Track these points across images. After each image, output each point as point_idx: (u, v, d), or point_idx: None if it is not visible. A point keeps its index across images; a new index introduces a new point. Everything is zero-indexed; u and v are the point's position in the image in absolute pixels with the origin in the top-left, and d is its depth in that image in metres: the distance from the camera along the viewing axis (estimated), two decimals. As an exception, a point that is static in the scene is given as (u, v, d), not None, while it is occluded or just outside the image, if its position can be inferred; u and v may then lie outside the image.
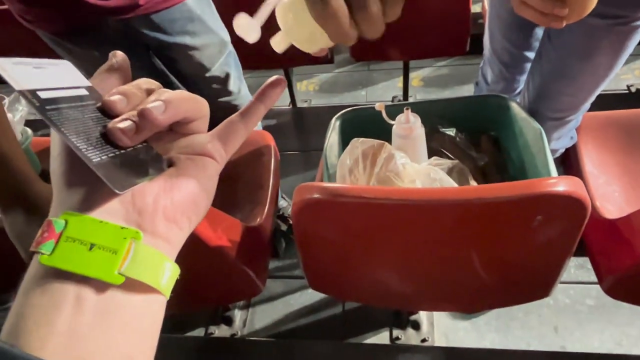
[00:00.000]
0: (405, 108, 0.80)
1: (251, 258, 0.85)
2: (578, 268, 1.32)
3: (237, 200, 1.01)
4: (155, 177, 0.26)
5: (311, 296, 1.35)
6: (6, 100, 1.05)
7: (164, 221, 0.25)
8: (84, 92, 0.26)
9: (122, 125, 0.24)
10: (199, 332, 1.28)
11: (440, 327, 1.23)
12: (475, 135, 0.97)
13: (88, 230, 0.23)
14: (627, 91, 2.01)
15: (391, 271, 0.75)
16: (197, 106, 0.28)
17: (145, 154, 0.26)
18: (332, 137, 0.92)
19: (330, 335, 1.24)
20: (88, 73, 0.92)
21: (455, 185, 0.72)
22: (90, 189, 0.24)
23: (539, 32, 0.92)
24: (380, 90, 2.28)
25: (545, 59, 0.85)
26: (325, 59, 1.85)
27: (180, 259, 0.77)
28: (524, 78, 1.06)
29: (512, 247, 0.65)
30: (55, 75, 0.25)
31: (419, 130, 0.81)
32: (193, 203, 0.27)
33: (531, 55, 0.95)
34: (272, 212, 0.97)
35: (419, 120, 0.81)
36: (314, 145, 1.83)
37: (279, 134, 1.92)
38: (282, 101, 2.23)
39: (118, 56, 0.29)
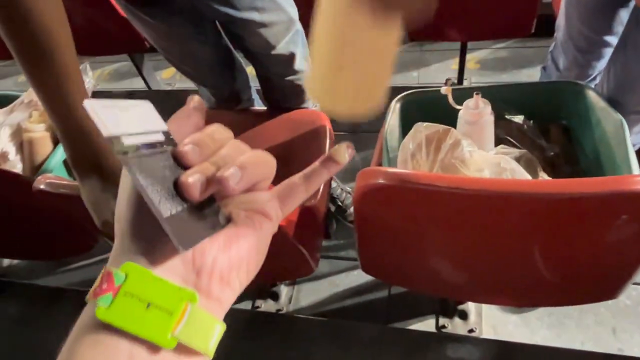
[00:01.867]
0: (475, 93, 0.77)
1: (305, 237, 0.85)
2: (643, 269, 1.25)
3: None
4: (216, 233, 0.25)
5: (357, 278, 1.35)
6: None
7: (219, 283, 0.25)
8: (161, 137, 0.25)
9: (192, 179, 0.23)
10: (246, 304, 1.32)
11: (488, 318, 1.20)
12: (544, 123, 0.92)
13: (147, 287, 0.23)
14: None
15: (449, 260, 0.73)
16: (268, 170, 0.28)
17: (209, 207, 0.26)
18: (393, 119, 0.90)
19: (375, 318, 1.24)
20: (157, 44, 0.92)
21: (528, 175, 0.68)
22: (155, 242, 0.24)
23: (624, 15, 0.85)
24: (433, 72, 2.21)
25: (632, 45, 0.79)
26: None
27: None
28: (600, 65, 0.98)
29: (584, 246, 0.61)
30: (138, 118, 0.25)
31: (488, 117, 0.78)
32: (247, 263, 0.26)
33: (612, 40, 0.87)
34: (326, 193, 0.97)
35: (489, 106, 0.78)
36: (364, 127, 1.80)
37: (335, 123, 1.91)
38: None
39: (195, 101, 0.28)
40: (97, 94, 2.44)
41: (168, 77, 2.63)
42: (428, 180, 0.56)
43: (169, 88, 2.49)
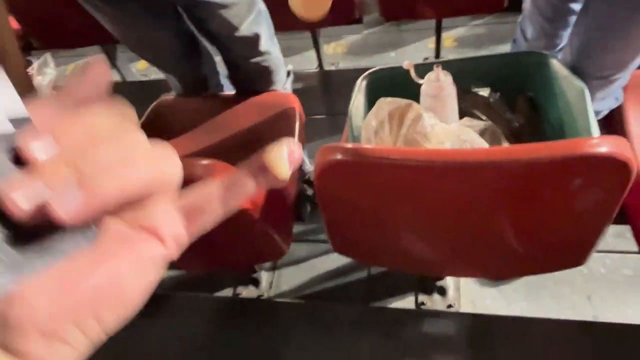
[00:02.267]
0: (435, 65, 0.76)
1: (275, 221, 0.84)
2: (616, 236, 1.26)
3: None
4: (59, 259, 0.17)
5: (336, 261, 1.35)
6: (35, 64, 1.06)
7: (42, 339, 0.17)
8: (9, 128, 0.17)
9: (16, 196, 0.16)
10: (227, 292, 1.31)
11: (466, 293, 1.21)
12: (511, 95, 0.92)
13: None
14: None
15: (417, 235, 0.73)
16: (161, 176, 0.20)
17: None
18: (358, 98, 0.89)
19: (355, 299, 1.24)
20: (116, 32, 0.91)
21: (487, 146, 0.68)
22: None
23: (586, -20, 0.84)
24: (411, 52, 2.19)
25: (592, 12, 0.78)
26: (353, 19, 1.78)
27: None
28: (567, 34, 0.98)
29: (546, 213, 0.61)
30: None
31: (450, 89, 0.77)
32: (106, 297, 0.18)
33: (577, 7, 0.87)
34: (296, 175, 0.96)
35: (450, 78, 0.77)
36: (341, 109, 1.78)
37: (305, 97, 1.88)
38: (308, 64, 2.18)
39: (95, 68, 0.20)
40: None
41: (143, 69, 2.59)
42: (382, 154, 0.55)
43: (144, 79, 2.45)
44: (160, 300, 1.21)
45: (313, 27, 1.85)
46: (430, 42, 2.15)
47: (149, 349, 1.04)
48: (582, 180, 0.53)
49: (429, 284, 1.23)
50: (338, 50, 2.33)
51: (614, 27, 0.75)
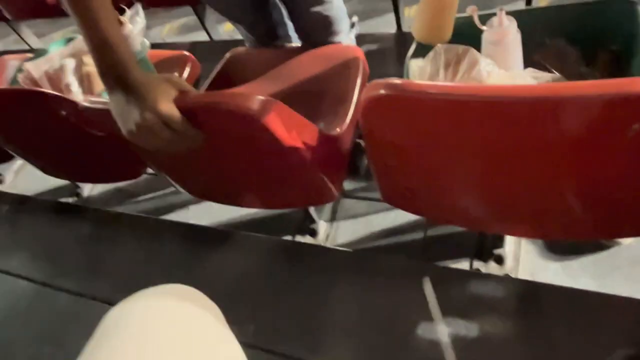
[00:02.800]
0: (499, 9, 0.72)
1: (326, 165, 0.88)
2: None
3: (320, 113, 1.03)
4: None
5: (394, 220, 1.36)
6: (127, 13, 1.17)
7: None
8: None
9: None
10: (286, 238, 1.39)
11: (526, 264, 1.16)
12: (592, 50, 0.84)
13: None
14: None
15: (465, 183, 0.72)
16: None
17: None
18: (418, 48, 0.87)
19: (408, 256, 1.25)
20: None
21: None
22: None
23: None
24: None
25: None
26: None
27: (257, 155, 0.83)
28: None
29: (604, 161, 0.57)
30: None
31: (514, 36, 0.73)
32: None
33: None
34: (353, 124, 0.97)
35: (514, 24, 0.73)
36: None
37: (380, 59, 1.87)
38: (387, 27, 2.14)
39: None
40: (165, 46, 2.60)
41: (230, 30, 2.72)
42: (426, 88, 0.55)
43: (230, 39, 2.57)
44: (225, 236, 1.32)
45: (393, -12, 1.80)
46: (521, 2, 1.99)
47: (212, 275, 1.16)
48: (637, 125, 0.49)
49: (487, 251, 1.19)
50: (420, 13, 2.26)
51: None
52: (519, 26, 0.76)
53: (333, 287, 1.08)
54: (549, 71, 0.79)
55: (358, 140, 1.35)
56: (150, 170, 1.35)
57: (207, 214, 1.56)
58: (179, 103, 0.68)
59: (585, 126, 0.51)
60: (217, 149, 0.80)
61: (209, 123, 0.72)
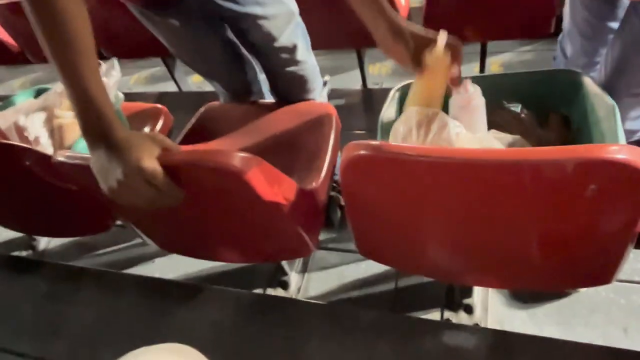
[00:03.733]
0: (465, 78, 0.79)
1: (304, 218, 0.89)
2: (658, 271, 1.21)
3: (296, 167, 1.06)
4: None
5: (365, 270, 1.37)
6: (103, 66, 1.18)
7: None
8: None
9: None
10: (257, 291, 1.37)
11: (494, 313, 1.19)
12: (543, 113, 0.93)
13: None
14: None
15: (438, 238, 0.75)
16: None
17: None
18: (390, 107, 0.93)
19: (380, 307, 1.26)
20: (169, 44, 1.03)
21: (509, 155, 0.70)
22: None
23: (625, 0, 0.85)
24: (456, 75, 2.21)
25: (628, 28, 0.79)
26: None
27: (237, 210, 0.83)
28: (606, 53, 0.98)
29: (564, 219, 0.62)
30: None
31: (478, 101, 0.80)
32: None
33: (615, 25, 0.88)
34: (328, 178, 1.00)
35: (479, 90, 0.80)
36: (380, 126, 1.83)
37: (347, 113, 1.94)
38: (352, 83, 2.25)
39: None
40: (133, 95, 2.60)
41: (199, 81, 2.76)
42: (403, 150, 0.59)
43: (199, 90, 2.61)
44: (193, 290, 1.28)
45: (358, 46, 1.92)
46: (476, 67, 2.16)
47: (180, 332, 1.12)
48: (596, 186, 0.54)
49: (457, 300, 1.22)
50: (382, 71, 2.40)
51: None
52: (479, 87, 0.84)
53: (305, 341, 1.06)
54: (509, 132, 0.86)
55: (332, 193, 1.38)
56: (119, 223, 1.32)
57: (174, 267, 1.51)
58: (162, 161, 0.69)
59: (547, 187, 0.56)
60: (197, 205, 0.80)
61: (191, 180, 0.73)
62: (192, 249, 1.04)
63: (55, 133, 1.09)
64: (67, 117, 1.10)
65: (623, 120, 0.87)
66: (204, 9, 0.99)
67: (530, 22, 1.58)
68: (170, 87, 2.67)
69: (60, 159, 0.78)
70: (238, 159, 0.71)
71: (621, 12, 0.86)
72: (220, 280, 1.44)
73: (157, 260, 1.58)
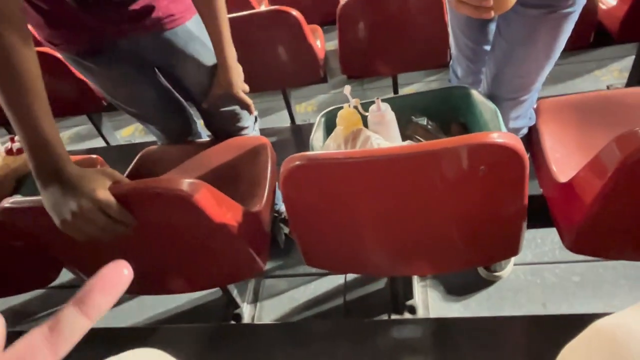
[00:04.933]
0: (375, 98, 0.93)
1: (251, 238, 0.96)
2: (562, 250, 1.40)
3: (238, 195, 1.13)
4: None
5: (314, 290, 1.45)
6: None
7: None
8: None
9: None
10: (213, 325, 1.38)
11: (434, 309, 1.31)
12: (446, 123, 1.10)
13: None
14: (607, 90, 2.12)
15: (369, 233, 0.86)
16: None
17: None
18: (318, 131, 1.05)
19: (333, 320, 1.33)
20: (104, 89, 1.09)
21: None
22: None
23: (492, 27, 1.06)
24: (374, 106, 2.43)
25: (497, 48, 0.99)
26: (319, 79, 2.02)
27: (189, 236, 0.89)
28: (487, 70, 1.18)
29: (466, 200, 0.75)
30: None
31: (390, 116, 0.94)
32: None
33: (489, 47, 1.08)
34: (270, 202, 1.09)
35: (389, 107, 0.94)
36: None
37: (280, 148, 2.05)
38: (282, 122, 2.39)
39: None
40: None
41: (128, 135, 2.76)
42: (330, 156, 0.70)
43: (128, 143, 2.60)
44: (150, 332, 1.27)
45: (283, 87, 2.07)
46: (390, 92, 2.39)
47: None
48: (485, 166, 0.68)
49: (400, 303, 1.33)
50: (309, 109, 2.57)
51: (513, 58, 0.95)
52: (392, 108, 0.99)
53: (268, 362, 1.10)
54: (420, 142, 1.01)
55: (275, 215, 1.46)
56: (53, 284, 1.28)
57: (122, 318, 1.48)
58: (114, 191, 0.74)
59: (448, 171, 0.69)
60: (147, 235, 0.85)
61: (142, 208, 0.78)
62: (142, 285, 1.06)
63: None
64: (1, 171, 1.09)
65: (506, 121, 1.06)
66: (136, 57, 1.06)
67: (430, 54, 1.82)
68: (97, 143, 2.64)
69: (7, 205, 0.80)
70: (185, 184, 0.78)
71: (491, 37, 1.06)
72: (172, 321, 1.44)
73: (107, 314, 1.53)
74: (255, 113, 1.28)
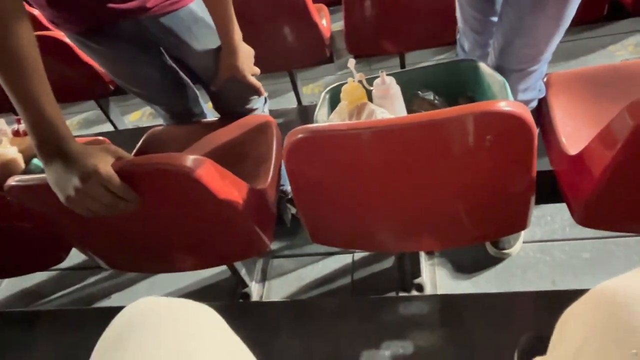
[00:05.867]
0: (380, 71, 0.91)
1: (256, 216, 0.96)
2: (572, 227, 1.38)
3: (244, 173, 1.13)
4: None
5: (321, 269, 1.45)
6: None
7: None
8: None
9: None
10: (220, 303, 1.40)
11: (442, 287, 1.30)
12: (454, 97, 1.07)
13: None
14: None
15: (376, 207, 0.85)
16: None
17: None
18: (322, 108, 1.04)
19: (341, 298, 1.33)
20: (108, 69, 1.08)
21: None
22: None
23: (499, -3, 1.03)
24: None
25: (505, 18, 0.96)
26: (325, 59, 1.99)
27: (192, 212, 0.89)
28: (495, 42, 1.15)
29: (473, 171, 0.74)
30: None
31: (395, 89, 0.92)
32: None
33: (496, 19, 1.05)
34: (275, 180, 1.08)
35: (394, 80, 0.92)
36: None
37: (287, 128, 2.05)
38: (289, 104, 2.37)
39: None
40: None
41: (135, 120, 2.77)
42: (334, 127, 0.69)
43: (135, 127, 2.61)
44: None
45: (289, 68, 2.05)
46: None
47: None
48: (491, 136, 0.67)
49: (408, 281, 1.33)
50: (316, 90, 2.54)
51: (522, 28, 0.92)
52: (397, 83, 0.97)
53: (275, 338, 1.11)
54: (426, 115, 0.99)
55: (281, 195, 1.46)
56: (62, 265, 1.29)
57: (132, 298, 1.50)
58: (117, 167, 0.74)
59: (454, 141, 0.68)
60: (152, 212, 0.85)
61: (145, 185, 0.78)
62: (150, 263, 1.07)
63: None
64: (9, 154, 1.10)
65: (515, 93, 1.03)
66: (139, 38, 1.06)
67: (437, 32, 1.78)
68: (106, 128, 2.65)
69: (14, 183, 0.80)
70: (189, 160, 0.78)
71: (498, 7, 1.03)
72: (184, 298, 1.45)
73: (114, 296, 1.56)
74: (265, 94, 1.27)
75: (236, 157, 1.16)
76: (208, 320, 0.47)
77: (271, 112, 2.04)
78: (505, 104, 0.65)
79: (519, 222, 0.87)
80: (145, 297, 0.49)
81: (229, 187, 0.86)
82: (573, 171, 0.89)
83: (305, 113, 2.11)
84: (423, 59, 2.50)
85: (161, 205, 0.85)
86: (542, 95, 1.06)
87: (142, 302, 0.48)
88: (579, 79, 1.08)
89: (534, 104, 1.07)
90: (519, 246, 1.32)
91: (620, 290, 0.28)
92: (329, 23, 2.02)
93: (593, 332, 0.31)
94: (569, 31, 0.98)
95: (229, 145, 1.19)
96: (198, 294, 1.45)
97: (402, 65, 2.11)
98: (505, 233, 0.90)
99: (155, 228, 0.91)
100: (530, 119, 0.67)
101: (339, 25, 2.45)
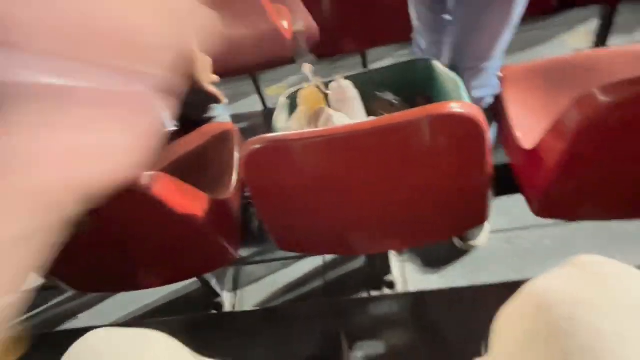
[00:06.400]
0: (336, 76, 0.91)
1: (220, 227, 0.94)
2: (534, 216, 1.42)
3: (208, 184, 1.11)
4: None
5: (293, 273, 1.44)
6: None
7: None
8: None
9: None
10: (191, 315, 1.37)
11: (412, 283, 1.32)
12: (412, 96, 1.08)
13: None
14: (571, 54, 2.13)
15: (338, 211, 0.85)
16: None
17: None
18: (281, 114, 1.03)
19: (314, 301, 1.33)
20: None
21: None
22: None
23: (450, -5, 1.04)
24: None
25: (457, 17, 0.98)
26: (287, 60, 1.98)
27: (153, 229, 0.86)
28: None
29: (431, 170, 0.75)
30: None
31: (352, 92, 0.92)
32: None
33: (449, 17, 1.07)
34: (239, 188, 1.07)
35: (350, 84, 0.92)
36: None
37: (252, 133, 2.03)
38: (254, 107, 2.34)
39: None
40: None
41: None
42: (288, 137, 0.68)
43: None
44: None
45: (250, 71, 2.02)
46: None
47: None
48: (447, 137, 0.68)
49: (378, 279, 1.34)
50: (279, 91, 2.52)
51: (472, 25, 0.94)
52: (356, 85, 0.97)
53: (250, 347, 1.10)
54: (385, 116, 1.00)
55: (247, 202, 1.44)
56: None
57: (99, 317, 1.46)
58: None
59: (411, 144, 0.68)
60: (113, 232, 0.82)
61: (104, 207, 0.75)
62: (116, 283, 1.04)
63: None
64: None
65: (469, 90, 1.05)
66: None
67: (397, 27, 1.79)
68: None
69: None
70: (146, 177, 0.76)
71: (451, 4, 1.04)
72: (152, 316, 1.42)
73: (80, 316, 1.51)
74: (226, 101, 1.25)
75: (197, 168, 1.14)
76: (162, 351, 0.45)
77: (236, 116, 2.02)
78: (457, 106, 0.66)
79: (479, 216, 0.89)
80: (96, 329, 0.47)
81: (189, 201, 0.85)
82: (529, 165, 0.92)
83: (271, 117, 2.09)
84: (386, 55, 2.51)
85: (120, 224, 0.83)
86: (497, 92, 1.08)
87: (90, 337, 0.46)
88: (532, 73, 1.11)
89: (490, 100, 1.09)
90: (484, 237, 1.35)
91: (545, 293, 0.29)
92: (290, 24, 2.00)
93: (522, 335, 0.32)
94: (524, 21, 1.00)
95: (189, 156, 1.16)
96: (168, 308, 1.42)
97: (364, 64, 2.12)
98: (466, 228, 0.92)
99: (116, 247, 0.89)
100: (481, 119, 0.68)
101: (299, 25, 2.44)
